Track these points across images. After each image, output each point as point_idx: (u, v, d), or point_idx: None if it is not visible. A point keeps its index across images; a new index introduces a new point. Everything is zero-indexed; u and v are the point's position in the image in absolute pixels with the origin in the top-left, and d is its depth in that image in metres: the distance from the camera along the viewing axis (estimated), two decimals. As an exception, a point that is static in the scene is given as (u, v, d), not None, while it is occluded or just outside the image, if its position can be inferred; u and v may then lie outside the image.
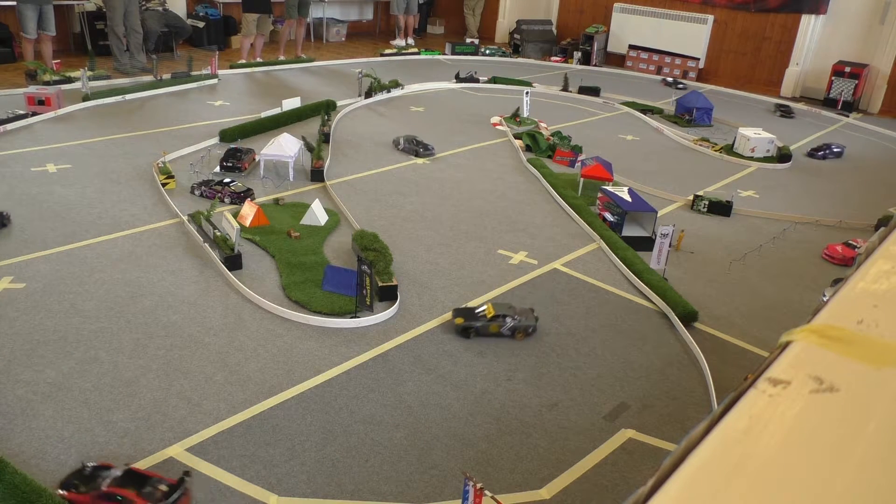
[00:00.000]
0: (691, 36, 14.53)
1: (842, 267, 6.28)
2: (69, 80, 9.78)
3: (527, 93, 10.39)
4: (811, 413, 0.96)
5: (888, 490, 0.84)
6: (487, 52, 15.19)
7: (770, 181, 8.58)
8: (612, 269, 5.97)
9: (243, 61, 12.07)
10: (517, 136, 9.24)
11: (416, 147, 8.38)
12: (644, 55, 14.98)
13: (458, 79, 12.35)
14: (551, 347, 4.77)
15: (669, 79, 14.17)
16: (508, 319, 4.74)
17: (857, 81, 12.51)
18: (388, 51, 14.64)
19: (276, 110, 9.15)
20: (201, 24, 13.57)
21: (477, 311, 4.85)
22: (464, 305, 5.07)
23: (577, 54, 15.24)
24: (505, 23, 17.52)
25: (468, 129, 9.66)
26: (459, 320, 4.78)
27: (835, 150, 9.89)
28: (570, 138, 9.24)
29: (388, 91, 11.06)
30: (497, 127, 9.89)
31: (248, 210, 6.12)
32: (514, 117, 10.05)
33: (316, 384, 4.19)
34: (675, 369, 4.66)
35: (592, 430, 4.01)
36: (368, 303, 4.84)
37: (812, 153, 9.82)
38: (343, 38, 16.13)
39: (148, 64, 11.19)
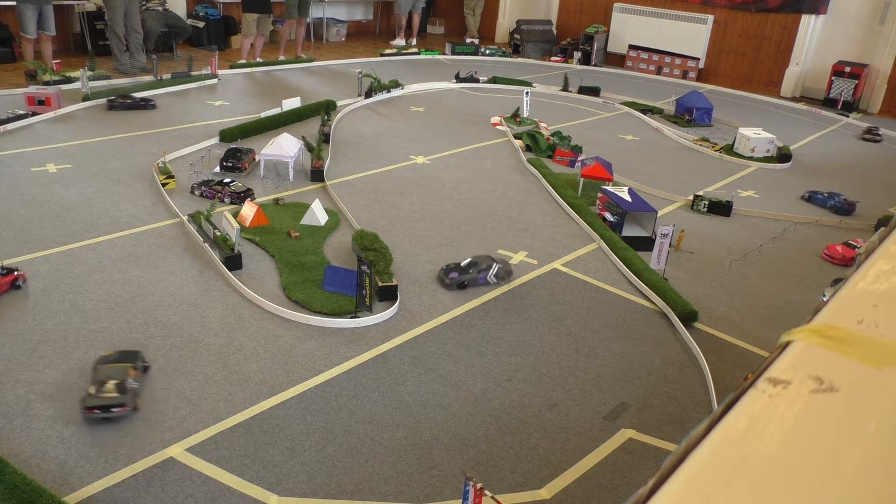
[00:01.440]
0: (691, 36, 14.52)
1: (842, 267, 6.28)
2: (69, 80, 9.77)
3: (527, 93, 10.39)
4: (811, 413, 0.96)
5: (888, 490, 0.84)
6: (487, 52, 15.18)
7: (770, 181, 8.58)
8: (612, 269, 5.97)
9: (243, 61, 12.07)
10: (517, 136, 9.24)
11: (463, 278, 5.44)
12: (644, 55, 14.97)
13: (458, 79, 12.34)
14: (551, 347, 4.77)
15: (862, 123, 11.54)
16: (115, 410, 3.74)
17: (857, 81, 12.50)
18: (388, 51, 14.64)
19: (276, 110, 9.15)
20: (201, 24, 13.57)
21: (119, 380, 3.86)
22: (124, 348, 4.22)
23: (577, 54, 15.24)
24: (505, 23, 17.52)
25: (468, 129, 9.66)
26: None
27: (841, 200, 7.65)
28: (570, 138, 9.24)
29: (388, 91, 11.07)
30: (497, 127, 9.88)
31: (248, 210, 6.12)
32: (514, 117, 10.05)
33: (316, 384, 4.19)
34: (675, 369, 4.66)
35: (592, 430, 4.01)
36: (368, 303, 4.84)
37: (811, 196, 7.92)
38: (343, 38, 16.14)
39: (148, 64, 11.18)
